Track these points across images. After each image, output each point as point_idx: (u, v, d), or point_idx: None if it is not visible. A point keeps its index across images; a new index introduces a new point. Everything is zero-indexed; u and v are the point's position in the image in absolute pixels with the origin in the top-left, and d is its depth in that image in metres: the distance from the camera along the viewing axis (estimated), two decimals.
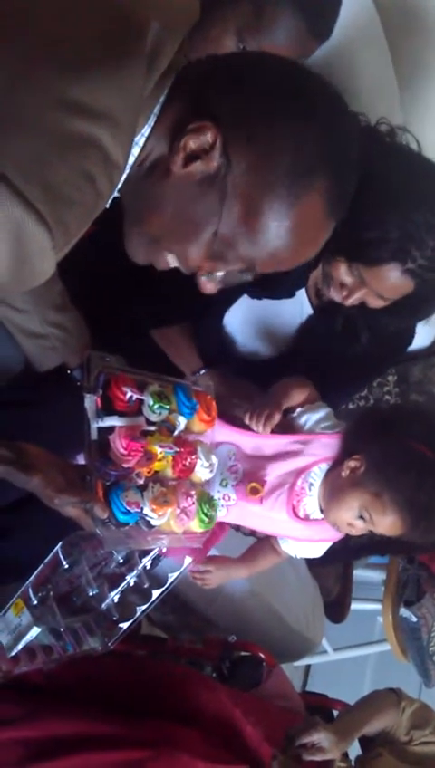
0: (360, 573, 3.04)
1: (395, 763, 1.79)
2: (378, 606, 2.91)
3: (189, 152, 1.09)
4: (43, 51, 0.94)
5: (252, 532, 1.73)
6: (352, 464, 1.54)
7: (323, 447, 1.59)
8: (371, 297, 1.71)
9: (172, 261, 1.21)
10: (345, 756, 1.85)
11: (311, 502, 1.58)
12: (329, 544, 1.67)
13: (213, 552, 1.72)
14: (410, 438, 1.53)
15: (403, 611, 2.86)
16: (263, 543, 1.70)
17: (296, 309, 1.93)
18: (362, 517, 1.52)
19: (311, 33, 1.60)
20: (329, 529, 1.60)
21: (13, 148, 0.89)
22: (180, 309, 1.82)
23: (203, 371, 1.80)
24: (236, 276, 1.23)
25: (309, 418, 1.61)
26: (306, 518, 1.60)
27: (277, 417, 1.55)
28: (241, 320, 1.95)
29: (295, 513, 1.58)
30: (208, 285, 1.23)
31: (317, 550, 1.68)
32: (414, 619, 2.84)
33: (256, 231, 1.12)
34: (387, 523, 1.50)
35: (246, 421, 1.55)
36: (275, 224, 1.11)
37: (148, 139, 1.11)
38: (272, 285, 1.84)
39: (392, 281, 1.65)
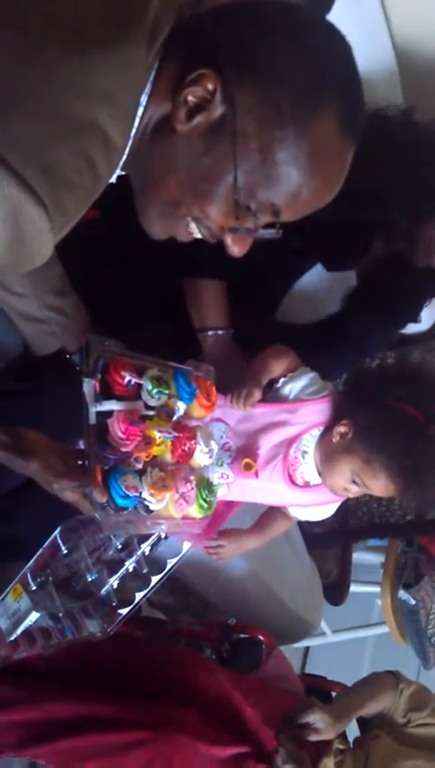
0: (359, 556, 3.05)
1: (393, 744, 1.80)
2: (377, 588, 2.92)
3: (191, 105, 1.06)
4: (43, 32, 0.93)
5: None
6: (341, 429, 1.54)
7: (313, 414, 1.58)
8: None
9: (194, 228, 1.19)
10: (344, 738, 1.87)
11: (307, 469, 1.59)
12: (337, 504, 1.68)
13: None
14: (396, 400, 1.53)
15: (402, 594, 2.87)
16: (273, 511, 1.70)
17: (342, 278, 1.96)
18: (355, 482, 1.52)
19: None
20: (328, 491, 1.60)
21: (12, 130, 0.88)
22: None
23: (221, 331, 1.78)
24: (265, 232, 1.18)
25: (293, 387, 1.60)
26: (306, 485, 1.60)
27: (257, 394, 1.54)
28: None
29: (293, 482, 1.59)
30: (236, 247, 1.19)
31: (326, 511, 1.68)
32: (413, 602, 2.85)
33: (274, 168, 1.08)
34: (380, 487, 1.51)
35: (227, 404, 1.54)
36: (291, 154, 1.07)
37: (146, 107, 1.09)
38: (343, 259, 1.88)
39: None
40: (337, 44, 1.12)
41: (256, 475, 1.57)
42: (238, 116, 1.06)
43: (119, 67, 0.98)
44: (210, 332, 1.76)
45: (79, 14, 0.97)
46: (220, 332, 1.76)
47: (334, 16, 1.83)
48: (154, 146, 1.11)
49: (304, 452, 1.58)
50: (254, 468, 1.56)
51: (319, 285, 1.95)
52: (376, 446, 1.49)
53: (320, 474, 1.58)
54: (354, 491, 1.54)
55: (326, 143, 1.09)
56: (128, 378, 1.33)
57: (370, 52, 2.04)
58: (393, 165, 1.74)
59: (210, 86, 1.04)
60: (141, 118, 1.09)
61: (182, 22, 1.09)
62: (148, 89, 1.07)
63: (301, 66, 1.06)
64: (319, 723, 1.73)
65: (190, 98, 1.06)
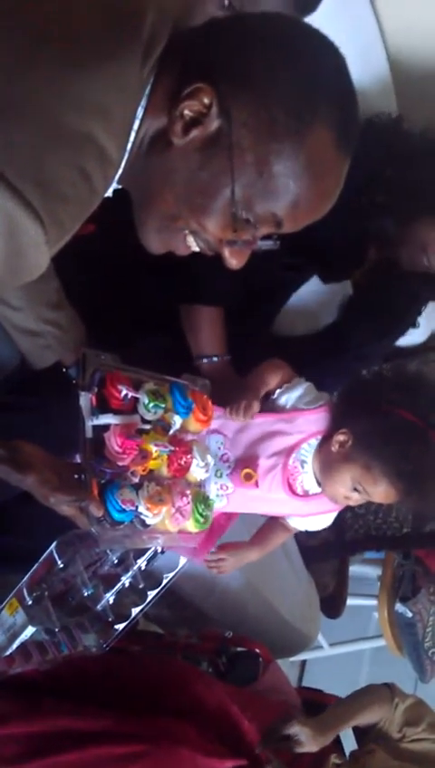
0: (356, 569, 3.04)
1: (387, 759, 1.80)
2: (374, 601, 2.92)
3: (187, 120, 1.06)
4: (39, 46, 0.93)
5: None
6: (340, 438, 1.55)
7: (310, 423, 1.59)
8: None
9: (192, 242, 1.18)
10: (341, 753, 1.86)
11: (307, 478, 1.59)
12: (335, 513, 1.68)
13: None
14: (394, 406, 1.53)
15: (399, 607, 2.87)
16: (272, 522, 1.70)
17: (336, 290, 1.98)
18: (356, 490, 1.52)
19: (296, 9, 1.60)
20: (328, 500, 1.61)
21: (7, 143, 0.88)
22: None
23: (216, 358, 1.79)
24: (262, 244, 1.19)
25: (289, 397, 1.61)
26: (305, 494, 1.60)
27: (256, 406, 1.55)
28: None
29: (293, 492, 1.59)
30: (234, 260, 1.19)
31: (325, 520, 1.68)
32: (410, 615, 2.84)
33: (271, 180, 1.08)
34: (380, 493, 1.51)
35: (227, 416, 1.54)
36: (287, 166, 1.08)
37: (142, 121, 1.09)
38: (340, 270, 1.92)
39: None
40: (331, 56, 1.12)
41: (257, 484, 1.57)
42: (234, 129, 1.06)
43: (115, 81, 0.98)
44: (206, 360, 1.77)
45: (75, 29, 0.97)
46: (217, 359, 1.78)
47: (328, 26, 1.83)
48: (150, 160, 1.12)
49: (303, 461, 1.58)
50: (254, 478, 1.56)
51: (314, 297, 1.96)
52: (375, 451, 1.49)
53: (319, 483, 1.59)
54: (356, 499, 1.54)
55: (322, 154, 1.10)
56: (124, 391, 1.33)
57: (364, 61, 2.04)
58: (384, 172, 1.77)
59: (206, 100, 1.05)
60: (137, 131, 1.09)
61: (177, 35, 1.09)
62: (143, 102, 1.08)
63: (295, 79, 1.06)
64: (301, 735, 1.72)
65: (186, 112, 1.06)
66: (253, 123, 1.06)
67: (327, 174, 1.13)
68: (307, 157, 1.08)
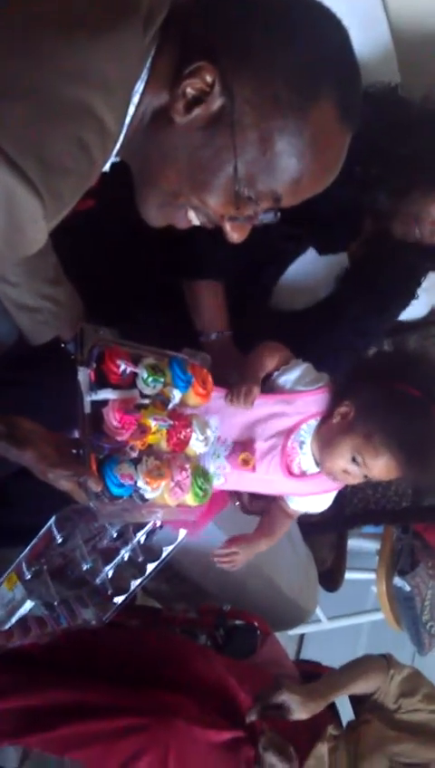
0: (354, 543, 3.06)
1: (383, 728, 1.81)
2: (372, 575, 2.93)
3: (190, 98, 1.06)
4: (37, 18, 0.92)
5: (248, 511, 1.73)
6: (342, 410, 1.55)
7: (308, 404, 1.59)
8: None
9: (193, 216, 1.18)
10: (338, 724, 1.87)
11: (305, 459, 1.59)
12: (334, 494, 1.68)
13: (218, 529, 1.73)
14: (397, 380, 1.55)
15: (397, 581, 2.88)
16: (273, 510, 1.70)
17: (332, 262, 1.98)
18: (355, 461, 1.52)
19: None
20: (327, 480, 1.61)
21: (5, 116, 0.87)
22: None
23: (217, 334, 1.80)
24: (263, 217, 1.18)
25: (287, 379, 1.61)
26: (302, 474, 1.61)
27: (256, 390, 1.55)
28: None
29: (290, 473, 1.59)
30: (235, 234, 1.19)
31: (324, 502, 1.69)
32: (408, 589, 2.86)
33: (274, 157, 1.08)
34: (380, 466, 1.51)
35: (228, 404, 1.54)
36: (290, 143, 1.07)
37: (142, 95, 1.08)
38: (336, 242, 1.92)
39: None
40: (333, 30, 1.11)
41: (254, 469, 1.57)
42: (237, 107, 1.05)
43: (113, 53, 0.97)
44: (213, 335, 1.78)
45: (73, 2, 0.96)
46: (218, 335, 1.78)
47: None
48: (152, 136, 1.11)
49: (302, 442, 1.58)
50: (251, 463, 1.56)
51: (312, 271, 1.95)
52: (377, 422, 1.50)
53: (318, 462, 1.59)
54: (354, 473, 1.54)
55: (326, 131, 1.09)
56: (123, 366, 1.32)
57: (365, 31, 2.02)
58: (379, 143, 1.76)
59: (208, 78, 1.04)
60: (138, 105, 1.08)
61: (177, 8, 1.08)
62: (144, 75, 1.07)
63: (298, 55, 1.05)
64: (290, 703, 1.73)
65: (189, 90, 1.05)
66: (256, 101, 1.05)
67: (330, 149, 1.12)
68: (311, 133, 1.08)
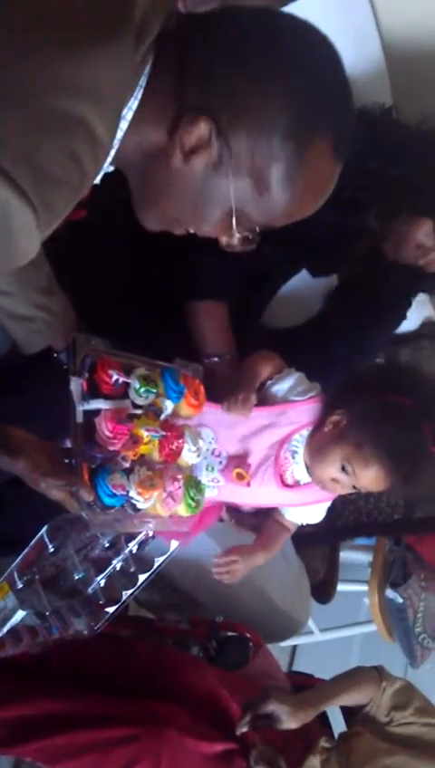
0: (346, 555, 3.05)
1: (374, 741, 1.80)
2: (364, 587, 2.93)
3: (188, 149, 1.09)
4: (29, 26, 0.93)
5: (241, 527, 1.73)
6: (334, 418, 1.56)
7: (300, 414, 1.60)
8: None
9: (190, 230, 1.22)
10: (331, 736, 1.87)
11: (298, 468, 1.60)
12: (328, 504, 1.69)
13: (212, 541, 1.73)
14: (389, 392, 1.57)
15: (389, 592, 2.88)
16: (270, 523, 1.71)
17: (323, 280, 1.99)
18: (344, 470, 1.53)
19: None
20: (319, 491, 1.62)
21: None
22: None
23: (219, 358, 1.78)
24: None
25: (280, 388, 1.61)
26: (296, 484, 1.61)
27: (253, 398, 1.56)
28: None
29: (284, 483, 1.60)
30: (231, 249, 1.24)
31: (318, 512, 1.69)
32: (400, 600, 2.86)
33: (270, 199, 1.12)
34: (369, 476, 1.52)
35: (226, 412, 1.55)
36: (286, 186, 1.11)
37: (137, 113, 1.09)
38: (329, 264, 1.94)
39: None
40: (329, 62, 1.13)
41: (249, 484, 1.58)
42: (234, 157, 1.09)
43: (106, 64, 0.98)
44: (216, 359, 1.77)
45: (64, 13, 0.96)
46: (220, 358, 1.77)
47: (321, 13, 1.83)
48: (150, 168, 1.14)
49: (294, 452, 1.58)
50: (246, 479, 1.57)
51: (301, 288, 1.97)
52: (369, 431, 1.52)
53: (309, 469, 1.59)
54: (343, 482, 1.54)
55: (320, 170, 1.14)
56: (115, 376, 1.33)
57: (358, 51, 2.04)
58: (371, 164, 1.78)
59: (206, 132, 1.07)
60: (133, 125, 1.09)
61: (172, 30, 1.09)
62: (138, 93, 1.08)
63: (296, 104, 1.08)
64: (279, 712, 1.72)
65: (187, 141, 1.08)
66: (253, 150, 1.09)
67: (324, 182, 1.17)
68: (306, 174, 1.12)
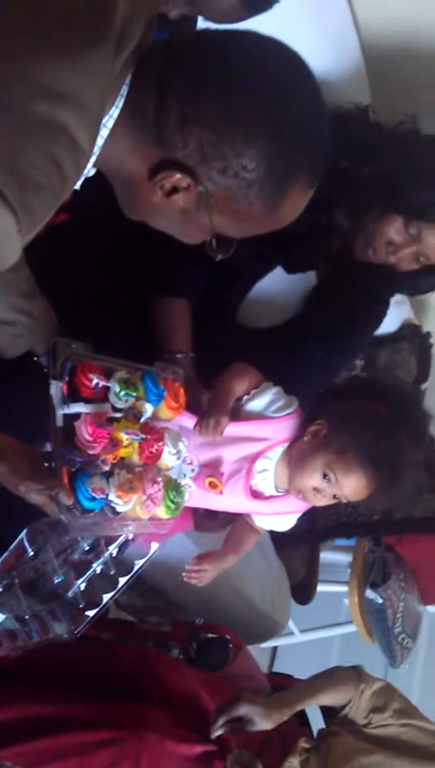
0: (326, 555, 3.06)
1: (352, 741, 1.80)
2: (344, 588, 2.93)
3: (167, 190, 1.14)
4: (8, 34, 0.93)
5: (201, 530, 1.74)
6: (314, 428, 1.56)
7: (277, 431, 1.60)
8: (409, 258, 1.88)
9: None
10: (311, 737, 1.87)
11: (266, 484, 1.60)
12: (296, 516, 1.69)
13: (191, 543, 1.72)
14: (369, 399, 1.58)
15: (369, 593, 2.89)
16: (239, 525, 1.71)
17: (301, 281, 2.01)
18: (326, 478, 1.52)
19: (245, 8, 1.61)
20: (289, 503, 1.62)
21: None
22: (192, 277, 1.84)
23: (180, 355, 1.80)
24: None
25: (257, 404, 1.61)
26: (264, 497, 1.62)
27: (225, 421, 1.55)
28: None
29: (253, 494, 1.60)
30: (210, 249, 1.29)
31: (287, 522, 1.70)
32: (380, 601, 2.87)
33: (248, 225, 1.20)
34: (352, 483, 1.52)
35: (196, 434, 1.55)
36: (264, 217, 1.18)
37: (117, 121, 1.10)
38: (303, 261, 1.96)
39: None
40: (306, 99, 1.16)
41: (221, 493, 1.59)
42: (212, 201, 1.14)
43: (85, 71, 0.98)
44: (178, 355, 1.79)
45: (45, 20, 0.97)
46: (181, 356, 1.79)
47: (301, 16, 1.84)
48: (134, 195, 1.20)
49: (265, 469, 1.59)
50: (219, 488, 1.58)
51: (280, 288, 1.97)
52: (350, 436, 1.52)
53: (278, 487, 1.61)
54: (325, 491, 1.54)
55: (295, 202, 1.20)
56: (95, 380, 1.33)
57: (338, 52, 2.04)
58: (342, 163, 1.79)
59: (184, 181, 1.12)
60: (112, 132, 1.11)
61: (154, 53, 1.12)
62: (120, 103, 1.09)
63: (272, 154, 1.11)
64: (251, 715, 1.73)
65: (166, 184, 1.13)
66: (230, 196, 1.14)
67: (298, 208, 1.22)
68: (283, 207, 1.18)
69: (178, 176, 1.11)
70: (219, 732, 1.71)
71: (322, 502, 1.57)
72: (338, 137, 1.60)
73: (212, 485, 1.57)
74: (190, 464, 1.58)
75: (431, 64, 2.17)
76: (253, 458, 1.58)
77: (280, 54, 1.15)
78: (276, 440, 1.59)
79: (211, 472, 1.58)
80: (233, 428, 1.58)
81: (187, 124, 1.09)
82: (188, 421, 1.57)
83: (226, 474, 1.58)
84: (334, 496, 1.55)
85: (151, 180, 1.13)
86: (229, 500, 1.60)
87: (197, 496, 1.60)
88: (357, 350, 2.22)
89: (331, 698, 1.85)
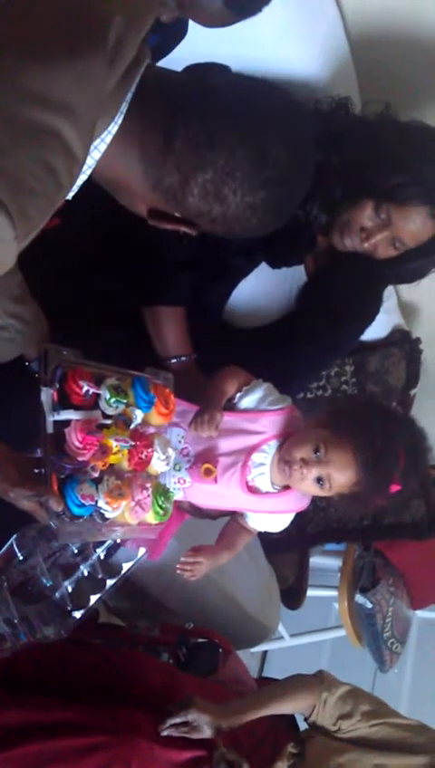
0: (316, 560, 3.07)
1: (326, 741, 1.80)
2: (334, 593, 2.94)
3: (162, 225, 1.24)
4: (4, 43, 0.94)
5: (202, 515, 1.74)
6: (316, 415, 1.61)
7: (272, 424, 1.61)
8: (384, 244, 1.89)
9: None
10: (298, 741, 1.86)
11: (263, 479, 1.60)
12: (291, 516, 1.69)
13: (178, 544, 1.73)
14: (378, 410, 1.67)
15: (359, 598, 2.90)
16: (233, 524, 1.71)
17: (290, 278, 2.02)
18: (317, 452, 1.52)
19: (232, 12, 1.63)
20: (284, 501, 1.63)
21: None
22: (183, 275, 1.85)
23: (184, 358, 1.82)
24: None
25: (251, 399, 1.62)
26: (260, 493, 1.62)
27: (219, 416, 1.56)
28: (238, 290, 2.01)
29: (249, 489, 1.60)
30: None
31: (281, 522, 1.70)
32: (369, 606, 2.88)
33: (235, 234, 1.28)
34: (341, 461, 1.52)
35: (193, 431, 1.56)
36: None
37: (115, 138, 1.12)
38: (287, 255, 1.96)
39: (418, 223, 1.84)
40: (298, 149, 1.26)
41: (216, 480, 1.58)
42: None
43: (78, 80, 0.99)
44: (174, 360, 1.81)
45: (39, 30, 0.98)
46: (184, 359, 1.81)
47: (293, 21, 1.85)
48: (130, 205, 1.30)
49: (262, 463, 1.59)
50: (214, 474, 1.57)
51: (269, 287, 1.99)
52: (350, 420, 1.56)
53: (273, 483, 1.61)
54: (310, 464, 1.53)
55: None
56: (86, 387, 1.34)
57: (326, 56, 2.04)
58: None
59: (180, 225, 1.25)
60: (111, 147, 1.13)
61: (162, 76, 1.20)
62: (119, 119, 1.12)
63: (263, 208, 1.24)
64: (199, 721, 1.72)
65: (164, 225, 1.25)
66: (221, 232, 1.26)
67: None
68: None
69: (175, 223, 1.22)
70: (165, 733, 1.70)
71: (304, 483, 1.55)
72: (315, 131, 1.62)
73: (208, 472, 1.57)
74: (187, 455, 1.59)
75: (423, 64, 2.17)
76: (249, 451, 1.59)
77: (286, 105, 1.29)
78: (271, 434, 1.60)
79: (207, 458, 1.58)
80: (228, 420, 1.59)
81: (191, 179, 1.18)
82: (188, 410, 1.59)
83: (221, 466, 1.59)
84: (318, 480, 1.54)
85: (150, 219, 1.24)
86: (225, 493, 1.60)
87: (191, 493, 1.60)
88: (347, 344, 2.22)
89: (288, 707, 1.83)
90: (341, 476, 1.53)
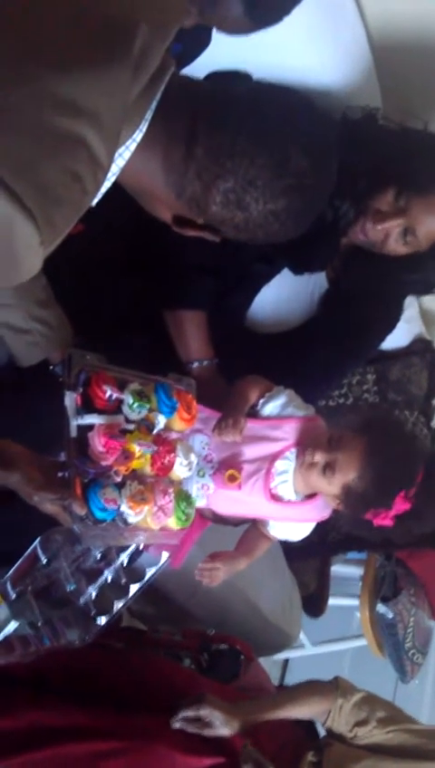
0: (338, 569, 3.06)
1: (343, 747, 1.79)
2: (355, 601, 2.93)
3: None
4: (31, 51, 0.95)
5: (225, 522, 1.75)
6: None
7: (294, 431, 1.61)
8: (396, 235, 1.85)
9: None
10: (318, 749, 1.85)
11: (286, 486, 1.60)
12: (312, 525, 1.70)
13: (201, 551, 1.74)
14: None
15: (380, 607, 2.88)
16: (252, 531, 1.71)
17: (312, 285, 2.02)
18: (330, 441, 1.54)
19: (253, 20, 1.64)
20: (307, 510, 1.63)
21: (3, 147, 0.90)
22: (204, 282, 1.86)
23: (206, 362, 1.83)
24: None
25: (274, 406, 1.63)
26: (284, 501, 1.62)
27: (243, 421, 1.57)
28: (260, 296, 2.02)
29: (272, 497, 1.60)
30: None
31: (301, 531, 1.70)
32: (390, 615, 2.86)
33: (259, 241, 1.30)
34: (351, 445, 1.53)
35: (217, 437, 1.56)
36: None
37: (139, 146, 1.13)
38: (309, 261, 1.95)
39: None
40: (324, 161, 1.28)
41: (240, 487, 1.59)
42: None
43: (104, 88, 1.00)
44: (196, 364, 1.81)
45: (66, 39, 0.99)
46: (206, 363, 1.82)
47: (315, 29, 1.86)
48: (153, 206, 1.32)
49: (286, 470, 1.59)
50: (238, 480, 1.58)
51: (291, 294, 1.99)
52: (373, 425, 1.58)
53: (296, 492, 1.61)
54: (322, 451, 1.55)
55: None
56: (109, 392, 1.35)
57: (349, 64, 2.04)
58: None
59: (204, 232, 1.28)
60: (136, 155, 1.15)
61: (188, 87, 1.23)
62: (143, 127, 1.13)
63: (286, 219, 1.27)
64: (212, 718, 1.71)
65: (187, 231, 1.28)
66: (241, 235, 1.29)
67: None
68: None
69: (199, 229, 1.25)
70: (177, 725, 1.69)
71: (313, 472, 1.56)
72: (343, 138, 1.62)
73: (232, 478, 1.57)
74: (211, 461, 1.59)
75: None
76: (272, 458, 1.59)
77: (312, 116, 1.32)
78: (294, 440, 1.60)
79: (232, 464, 1.59)
80: (251, 427, 1.59)
81: (212, 188, 1.20)
82: (211, 416, 1.59)
83: (245, 473, 1.59)
84: (324, 470, 1.54)
85: (174, 225, 1.26)
86: (248, 500, 1.60)
87: (214, 499, 1.61)
88: (368, 351, 2.21)
89: (302, 712, 1.82)
90: (348, 457, 1.53)
